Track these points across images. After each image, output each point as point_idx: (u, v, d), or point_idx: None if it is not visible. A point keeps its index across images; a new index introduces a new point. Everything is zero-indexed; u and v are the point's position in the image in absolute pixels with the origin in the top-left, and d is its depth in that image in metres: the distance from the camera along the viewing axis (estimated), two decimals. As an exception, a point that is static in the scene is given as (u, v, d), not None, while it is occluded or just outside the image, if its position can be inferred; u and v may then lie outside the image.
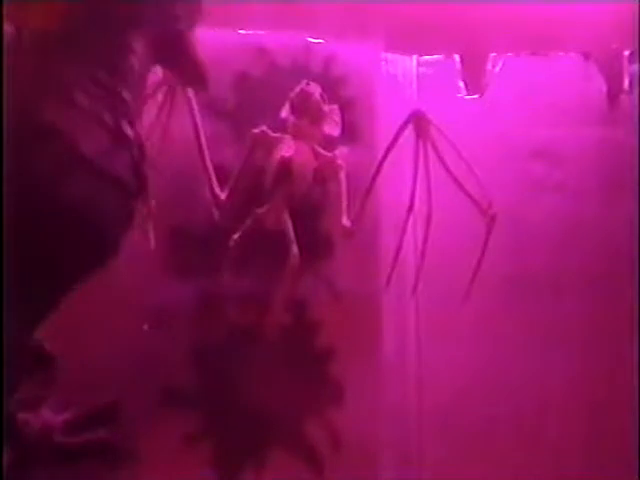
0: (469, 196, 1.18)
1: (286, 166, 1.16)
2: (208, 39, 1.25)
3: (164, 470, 1.11)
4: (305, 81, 1.20)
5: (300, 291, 1.17)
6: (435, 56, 1.31)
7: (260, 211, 1.15)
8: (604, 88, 1.28)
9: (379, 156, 1.21)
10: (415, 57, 1.31)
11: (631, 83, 1.27)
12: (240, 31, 1.27)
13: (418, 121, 1.19)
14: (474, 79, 1.30)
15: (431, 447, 1.17)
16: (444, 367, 1.19)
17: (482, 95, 1.30)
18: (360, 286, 1.19)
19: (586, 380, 1.20)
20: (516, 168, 1.27)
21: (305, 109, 1.19)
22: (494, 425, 1.18)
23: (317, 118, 1.20)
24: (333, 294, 1.18)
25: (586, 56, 1.28)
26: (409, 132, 1.25)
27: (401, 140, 1.24)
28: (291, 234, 1.15)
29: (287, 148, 1.17)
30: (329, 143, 1.21)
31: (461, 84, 1.30)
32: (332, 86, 1.23)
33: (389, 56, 1.30)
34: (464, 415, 1.17)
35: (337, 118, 1.21)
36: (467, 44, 1.30)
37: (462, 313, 1.19)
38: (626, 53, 1.28)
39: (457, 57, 1.30)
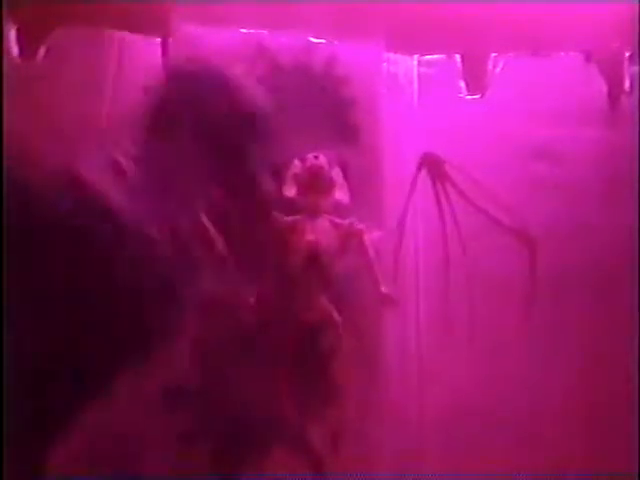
0: (507, 227, 1.17)
1: (314, 250, 1.11)
2: (209, 38, 1.26)
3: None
4: (313, 155, 1.15)
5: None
6: (436, 56, 1.31)
7: (297, 305, 1.11)
8: (605, 89, 1.28)
9: (380, 157, 1.21)
10: (416, 57, 1.31)
11: (632, 84, 1.27)
12: (242, 30, 1.27)
13: (431, 164, 1.17)
14: (475, 79, 1.30)
15: (431, 447, 1.17)
16: (445, 368, 1.19)
17: (483, 95, 1.30)
18: (361, 287, 1.19)
19: (587, 382, 1.20)
20: (517, 168, 1.27)
21: (316, 183, 1.15)
22: (495, 425, 1.18)
23: (328, 188, 1.15)
24: (334, 295, 1.18)
25: (587, 57, 1.28)
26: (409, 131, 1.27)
27: (401, 140, 1.27)
28: (337, 319, 1.11)
29: (309, 230, 1.12)
30: (339, 209, 1.17)
31: (462, 84, 1.30)
32: (334, 86, 1.24)
33: (390, 56, 1.29)
34: (465, 415, 1.17)
35: (342, 180, 1.17)
36: (468, 44, 1.30)
37: (462, 314, 1.19)
38: (627, 54, 1.28)
39: (458, 57, 1.31)
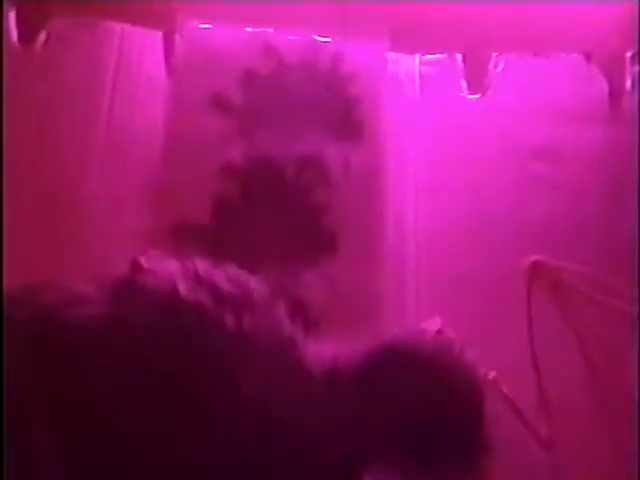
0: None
1: None
2: (215, 36, 1.26)
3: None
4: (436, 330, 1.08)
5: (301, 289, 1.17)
6: (437, 55, 1.31)
7: None
8: (606, 88, 1.28)
9: (383, 154, 1.22)
10: (417, 56, 1.31)
11: (633, 84, 1.28)
12: (247, 29, 1.27)
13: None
14: (476, 79, 1.30)
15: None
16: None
17: (484, 95, 1.30)
18: (362, 285, 1.19)
19: (587, 379, 1.20)
20: (517, 167, 1.27)
21: None
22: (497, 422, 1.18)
23: None
24: (335, 293, 1.18)
25: (588, 57, 1.29)
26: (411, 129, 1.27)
27: (403, 139, 1.27)
28: None
29: None
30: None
31: (463, 83, 1.30)
32: (339, 84, 1.24)
33: (391, 55, 1.30)
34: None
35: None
36: (469, 44, 1.30)
37: (464, 312, 1.19)
38: (629, 54, 1.28)
39: (459, 57, 1.31)
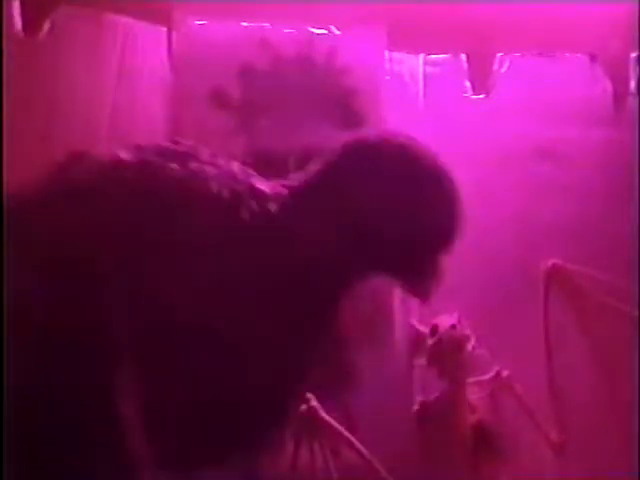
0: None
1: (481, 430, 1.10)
2: (212, 31, 1.25)
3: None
4: (450, 325, 1.12)
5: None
6: (442, 55, 1.31)
7: None
8: (610, 89, 1.29)
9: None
10: (422, 56, 1.31)
11: (638, 85, 1.28)
12: (243, 23, 1.27)
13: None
14: (480, 79, 1.30)
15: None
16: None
17: (488, 95, 1.30)
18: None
19: (587, 379, 1.20)
20: (521, 168, 1.27)
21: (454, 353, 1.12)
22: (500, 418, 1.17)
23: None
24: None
25: (592, 57, 1.29)
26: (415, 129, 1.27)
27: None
28: None
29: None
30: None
31: (467, 84, 1.30)
32: (335, 76, 1.23)
33: (395, 55, 1.29)
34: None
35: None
36: (474, 44, 1.30)
37: (468, 306, 1.19)
38: (633, 55, 1.29)
39: (464, 57, 1.31)
